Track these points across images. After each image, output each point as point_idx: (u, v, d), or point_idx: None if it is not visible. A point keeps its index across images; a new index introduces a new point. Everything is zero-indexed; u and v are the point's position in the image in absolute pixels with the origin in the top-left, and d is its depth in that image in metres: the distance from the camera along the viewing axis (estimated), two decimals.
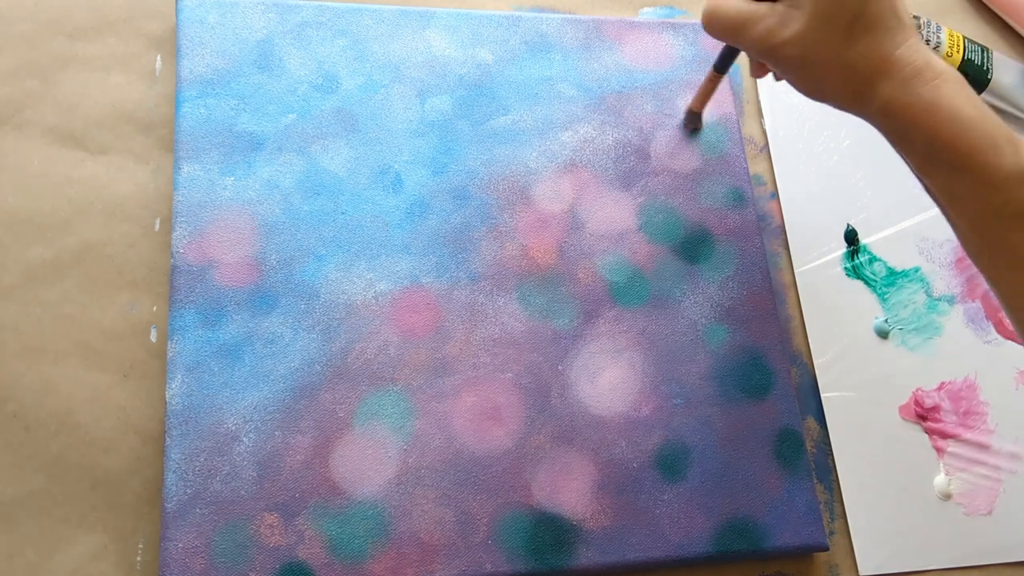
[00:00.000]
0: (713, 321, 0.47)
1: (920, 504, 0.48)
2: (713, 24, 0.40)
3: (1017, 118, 0.60)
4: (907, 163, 0.40)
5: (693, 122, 0.51)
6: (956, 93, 0.37)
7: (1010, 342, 0.53)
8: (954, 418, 0.50)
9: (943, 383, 0.51)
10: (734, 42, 0.41)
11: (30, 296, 0.42)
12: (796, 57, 0.38)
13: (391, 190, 0.46)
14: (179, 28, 0.47)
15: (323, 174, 0.45)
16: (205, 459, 0.39)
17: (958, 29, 0.61)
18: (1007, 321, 0.54)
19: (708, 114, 0.52)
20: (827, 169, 0.55)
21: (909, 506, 0.47)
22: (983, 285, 0.54)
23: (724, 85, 0.53)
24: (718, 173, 0.51)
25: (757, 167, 0.54)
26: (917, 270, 0.54)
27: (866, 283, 0.53)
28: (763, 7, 0.39)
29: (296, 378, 0.42)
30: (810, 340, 0.50)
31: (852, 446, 0.48)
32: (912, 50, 0.37)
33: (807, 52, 0.38)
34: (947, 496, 0.48)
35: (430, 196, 0.46)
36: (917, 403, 0.50)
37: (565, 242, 0.47)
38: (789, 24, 0.38)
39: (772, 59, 0.40)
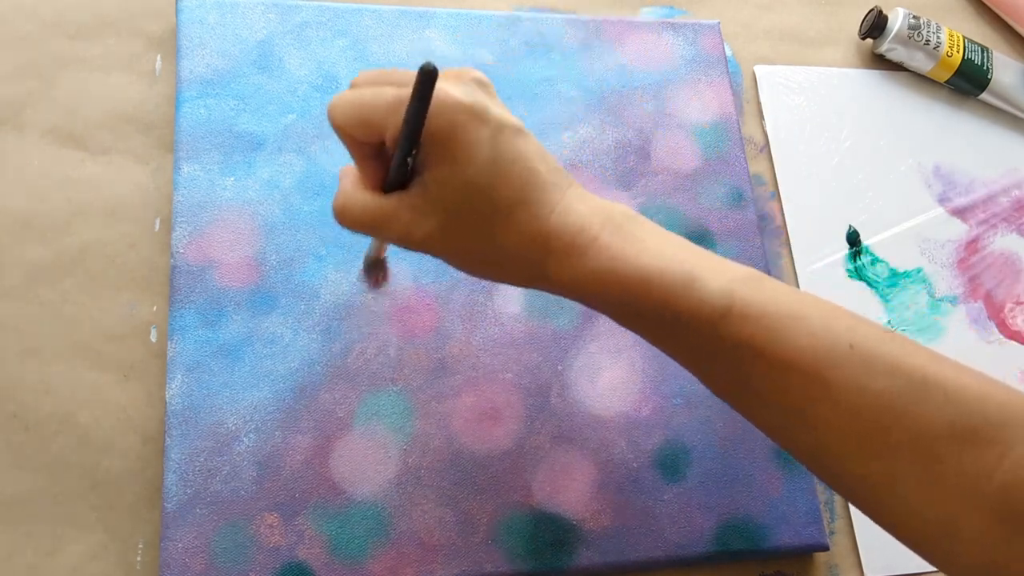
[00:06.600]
0: None
1: None
2: (346, 225, 0.34)
3: (1017, 118, 0.60)
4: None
5: (377, 269, 0.44)
6: (622, 245, 0.32)
7: (1013, 342, 0.53)
8: None
9: None
10: (376, 239, 0.34)
11: (30, 296, 0.42)
12: (443, 251, 0.33)
13: None
14: (179, 28, 0.47)
15: (323, 174, 0.45)
16: (205, 459, 0.39)
17: (958, 29, 0.61)
18: (1009, 321, 0.54)
19: (708, 114, 0.52)
20: (828, 170, 0.55)
21: None
22: (985, 285, 0.54)
23: (725, 84, 0.53)
24: (718, 173, 0.51)
25: (757, 167, 0.54)
26: (919, 271, 0.54)
27: (868, 284, 0.52)
28: (392, 203, 0.33)
29: (296, 378, 0.42)
30: None
31: None
32: (565, 213, 0.33)
33: (454, 246, 0.33)
34: None
35: None
36: None
37: None
38: (425, 220, 0.32)
39: (422, 252, 0.34)
